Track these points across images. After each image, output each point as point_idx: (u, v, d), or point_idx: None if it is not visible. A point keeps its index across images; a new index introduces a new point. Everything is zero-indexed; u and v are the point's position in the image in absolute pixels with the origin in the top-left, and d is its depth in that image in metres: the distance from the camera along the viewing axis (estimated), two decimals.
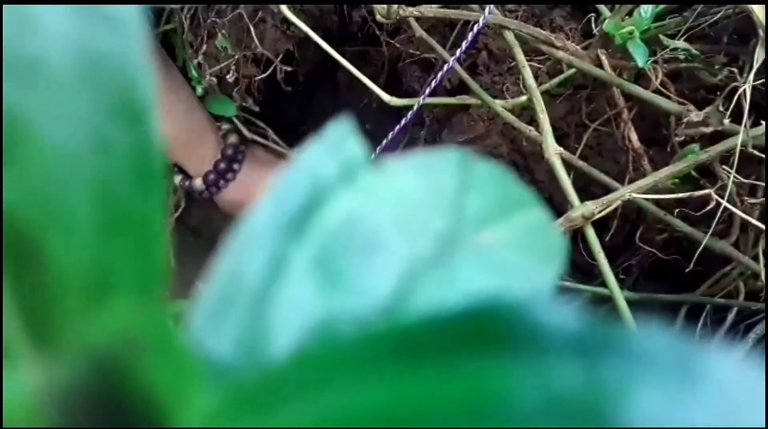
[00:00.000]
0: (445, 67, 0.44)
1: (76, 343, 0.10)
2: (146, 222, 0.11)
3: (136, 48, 0.11)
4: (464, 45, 0.43)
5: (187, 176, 0.59)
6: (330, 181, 0.16)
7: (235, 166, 0.57)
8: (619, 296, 0.41)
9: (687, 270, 0.45)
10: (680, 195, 0.40)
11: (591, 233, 0.38)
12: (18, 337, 0.10)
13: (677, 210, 0.44)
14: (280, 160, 0.63)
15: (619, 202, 0.37)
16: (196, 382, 0.10)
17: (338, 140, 0.16)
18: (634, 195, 0.38)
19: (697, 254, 0.43)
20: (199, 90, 0.60)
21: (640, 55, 0.42)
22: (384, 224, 0.16)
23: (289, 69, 0.62)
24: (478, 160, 0.17)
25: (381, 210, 0.16)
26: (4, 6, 0.11)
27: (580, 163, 0.44)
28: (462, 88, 0.52)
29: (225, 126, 0.62)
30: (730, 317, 0.46)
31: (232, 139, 0.59)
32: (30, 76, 0.10)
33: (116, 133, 0.10)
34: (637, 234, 0.49)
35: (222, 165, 0.57)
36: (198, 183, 0.58)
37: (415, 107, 0.46)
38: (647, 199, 0.40)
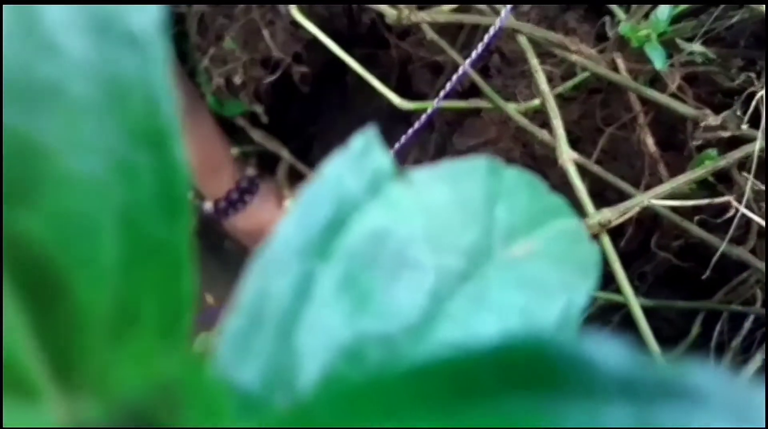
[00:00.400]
0: (459, 71, 0.44)
1: (100, 382, 0.09)
2: (172, 250, 0.10)
3: (158, 70, 0.10)
4: (480, 47, 0.42)
5: (198, 195, 0.59)
6: (356, 194, 0.15)
7: (247, 198, 0.58)
8: (635, 304, 0.41)
9: (703, 277, 0.44)
10: (699, 202, 0.39)
11: (606, 241, 0.38)
12: (40, 373, 0.10)
13: (696, 217, 0.43)
14: (295, 194, 0.63)
15: (636, 210, 0.37)
16: (227, 420, 0.10)
17: (363, 151, 0.15)
18: (653, 202, 0.37)
19: (714, 261, 0.42)
20: (209, 98, 0.60)
21: (658, 57, 0.42)
22: (413, 239, 0.15)
23: (299, 71, 0.61)
24: (506, 168, 0.17)
25: (409, 224, 0.15)
26: (17, 28, 0.10)
27: (595, 169, 0.43)
28: (473, 91, 0.52)
29: (234, 150, 0.62)
30: (747, 325, 0.46)
31: (250, 171, 0.60)
32: (48, 102, 0.10)
33: (141, 159, 0.10)
34: (653, 240, 0.48)
35: (234, 195, 0.57)
36: (208, 206, 0.59)
37: (429, 111, 0.46)
38: (665, 206, 0.39)
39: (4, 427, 0.09)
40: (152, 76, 0.10)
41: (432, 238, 0.15)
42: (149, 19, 0.11)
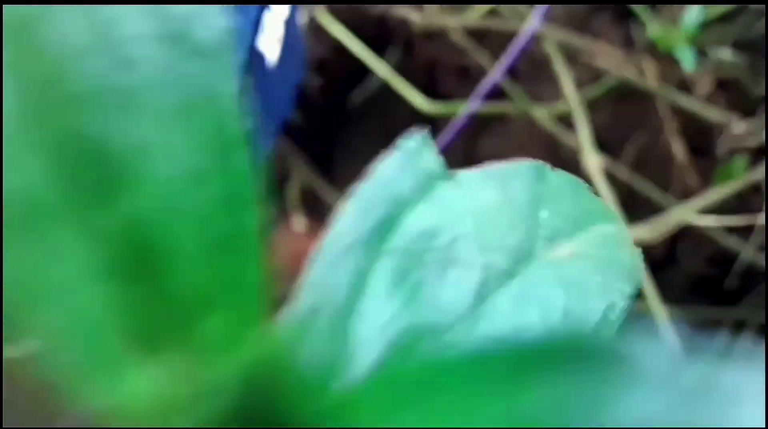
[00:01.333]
0: (490, 80, 0.44)
1: (188, 355, 0.10)
2: (242, 246, 0.11)
3: (227, 81, 0.11)
4: (512, 55, 0.43)
5: None
6: (408, 194, 0.16)
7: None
8: (660, 311, 0.41)
9: (730, 284, 0.44)
10: (736, 218, 0.39)
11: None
12: (121, 344, 0.10)
13: (725, 225, 0.43)
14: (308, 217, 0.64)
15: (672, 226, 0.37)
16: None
17: (415, 151, 0.16)
18: (690, 220, 0.37)
19: (742, 268, 0.42)
20: None
21: (688, 60, 0.42)
22: (461, 238, 0.16)
23: (318, 83, 0.62)
24: (552, 171, 0.17)
25: (458, 224, 0.16)
26: (93, 43, 0.11)
27: (623, 176, 0.43)
28: (499, 93, 0.52)
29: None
30: None
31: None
32: (127, 110, 0.10)
33: (211, 165, 0.11)
34: (678, 246, 0.48)
35: None
36: None
37: (459, 118, 0.46)
38: (700, 220, 0.39)
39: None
40: (220, 86, 0.11)
41: (479, 237, 0.16)
42: (214, 31, 0.12)
